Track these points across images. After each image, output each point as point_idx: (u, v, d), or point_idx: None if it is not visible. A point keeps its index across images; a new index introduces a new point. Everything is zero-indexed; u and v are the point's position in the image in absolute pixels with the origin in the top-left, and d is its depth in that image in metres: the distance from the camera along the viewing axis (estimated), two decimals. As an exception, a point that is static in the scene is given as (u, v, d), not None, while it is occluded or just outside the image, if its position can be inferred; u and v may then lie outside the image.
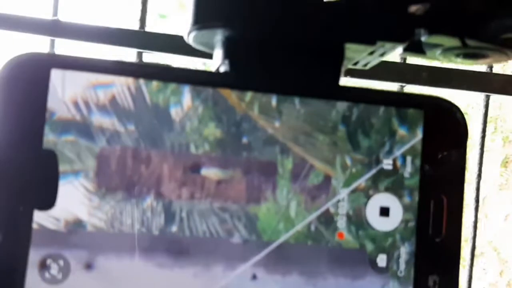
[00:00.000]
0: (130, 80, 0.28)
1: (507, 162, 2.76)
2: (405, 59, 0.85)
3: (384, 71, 0.80)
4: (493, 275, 2.57)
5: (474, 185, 0.89)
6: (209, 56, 0.31)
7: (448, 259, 0.29)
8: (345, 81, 0.31)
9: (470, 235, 0.98)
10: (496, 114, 2.92)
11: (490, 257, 2.59)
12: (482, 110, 0.91)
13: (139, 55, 0.64)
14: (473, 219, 0.90)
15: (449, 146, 0.29)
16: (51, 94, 0.27)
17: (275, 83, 0.29)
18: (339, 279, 0.29)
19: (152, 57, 0.64)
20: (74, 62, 0.28)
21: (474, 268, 0.97)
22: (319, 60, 0.30)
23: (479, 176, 0.89)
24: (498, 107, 2.96)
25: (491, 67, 0.87)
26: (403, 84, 0.75)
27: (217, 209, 0.28)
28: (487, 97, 0.91)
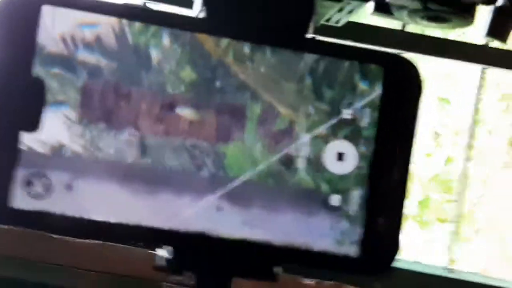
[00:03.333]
0: (114, 20, 0.31)
1: (515, 141, 2.77)
2: (403, 28, 0.87)
3: (384, 37, 0.83)
4: (491, 251, 2.61)
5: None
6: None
7: (394, 204, 0.32)
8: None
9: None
10: (509, 93, 2.91)
11: (489, 233, 2.63)
12: (477, 83, 0.93)
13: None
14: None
15: (404, 101, 0.32)
16: (41, 29, 0.31)
17: (249, 32, 0.32)
18: (295, 214, 0.32)
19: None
20: None
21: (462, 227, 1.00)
22: (291, 13, 0.32)
23: (470, 147, 0.91)
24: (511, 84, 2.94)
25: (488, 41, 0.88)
26: (402, 52, 0.77)
27: (188, 145, 0.32)
28: (483, 69, 0.94)
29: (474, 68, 0.99)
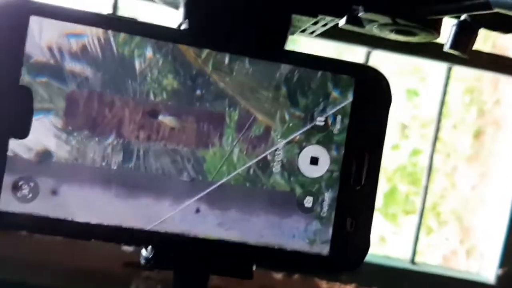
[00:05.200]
0: (100, 31, 0.33)
1: (479, 134, 2.84)
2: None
3: (355, 35, 0.85)
4: (454, 243, 2.68)
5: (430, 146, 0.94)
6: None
7: (365, 205, 0.35)
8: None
9: (422, 191, 1.05)
10: (473, 86, 2.99)
11: (453, 225, 2.70)
12: (443, 81, 0.96)
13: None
14: (425, 179, 0.97)
15: (374, 109, 0.35)
16: (29, 39, 0.32)
17: (228, 43, 0.34)
18: (270, 216, 0.34)
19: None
20: (51, 10, 0.32)
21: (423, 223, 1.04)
22: (268, 26, 0.35)
23: (435, 138, 0.95)
24: (477, 79, 3.02)
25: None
26: (370, 49, 0.80)
27: (170, 150, 0.34)
28: (449, 68, 0.97)
29: (441, 64, 1.02)
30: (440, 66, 1.16)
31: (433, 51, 0.92)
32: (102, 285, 0.98)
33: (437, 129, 0.93)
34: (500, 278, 1.05)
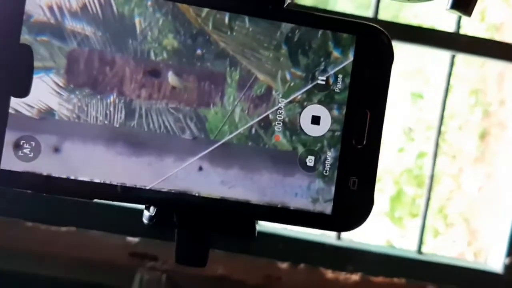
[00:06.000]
0: None
1: (484, 135, 2.84)
2: (376, 15, 0.90)
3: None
4: (461, 245, 2.67)
5: (433, 141, 0.95)
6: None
7: (367, 164, 0.35)
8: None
9: (426, 188, 1.04)
10: (477, 87, 2.98)
11: (460, 227, 2.68)
12: (447, 69, 0.96)
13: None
14: (430, 173, 0.97)
15: (375, 68, 0.35)
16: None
17: (228, 2, 0.34)
18: (273, 175, 0.34)
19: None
20: None
21: (427, 221, 1.05)
22: (267, -15, 0.35)
23: (439, 131, 0.95)
24: (481, 80, 3.01)
25: (458, 28, 0.92)
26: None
27: (172, 109, 0.34)
28: (453, 56, 0.97)
29: (445, 63, 1.02)
30: (443, 64, 1.17)
31: (436, 39, 0.92)
32: (107, 275, 0.98)
33: (442, 119, 0.93)
34: (507, 267, 1.05)
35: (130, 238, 0.99)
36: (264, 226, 1.03)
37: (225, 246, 0.96)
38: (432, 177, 0.98)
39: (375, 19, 0.96)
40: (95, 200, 0.34)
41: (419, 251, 1.08)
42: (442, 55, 1.05)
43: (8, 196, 0.99)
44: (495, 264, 1.09)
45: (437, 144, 0.96)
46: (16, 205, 0.98)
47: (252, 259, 0.97)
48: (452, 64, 0.98)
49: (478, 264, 1.14)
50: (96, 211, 1.02)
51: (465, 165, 2.85)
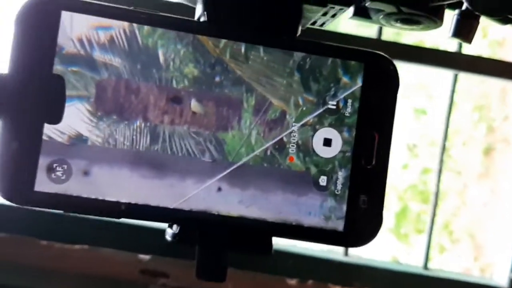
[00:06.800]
0: (126, 24, 0.36)
1: (489, 151, 2.85)
2: (378, 36, 0.93)
3: (360, 46, 0.88)
4: (468, 261, 2.68)
5: (438, 158, 0.97)
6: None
7: (376, 183, 0.37)
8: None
9: (432, 204, 1.07)
10: (481, 103, 3.00)
11: (466, 243, 2.69)
12: (450, 87, 0.99)
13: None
14: (435, 189, 0.99)
15: (382, 93, 0.38)
16: (61, 32, 0.35)
17: (244, 34, 0.37)
18: (287, 194, 0.37)
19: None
20: (80, 5, 0.36)
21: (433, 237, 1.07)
22: (281, 16, 0.38)
23: (443, 150, 0.97)
24: (484, 96, 3.04)
25: (460, 47, 0.95)
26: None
27: (193, 133, 0.37)
28: (455, 75, 1.00)
29: (447, 79, 1.05)
30: (447, 80, 1.20)
31: (439, 59, 0.95)
32: (118, 292, 1.00)
33: (445, 137, 0.96)
34: (513, 282, 1.07)
35: (141, 256, 1.02)
36: (274, 243, 1.05)
37: (235, 263, 0.98)
38: (437, 193, 1.01)
39: (378, 39, 0.99)
40: (122, 218, 0.36)
41: (425, 267, 1.10)
42: (445, 72, 1.09)
43: (23, 215, 1.01)
44: (501, 279, 1.11)
45: (441, 161, 0.99)
46: (31, 224, 1.01)
47: (261, 276, 0.99)
48: (455, 83, 1.01)
49: (484, 279, 1.16)
50: (108, 229, 1.04)
51: (470, 181, 2.86)
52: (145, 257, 1.04)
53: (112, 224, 1.04)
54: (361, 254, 1.26)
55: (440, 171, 0.99)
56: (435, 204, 1.00)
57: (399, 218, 2.95)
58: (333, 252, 1.08)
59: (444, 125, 1.02)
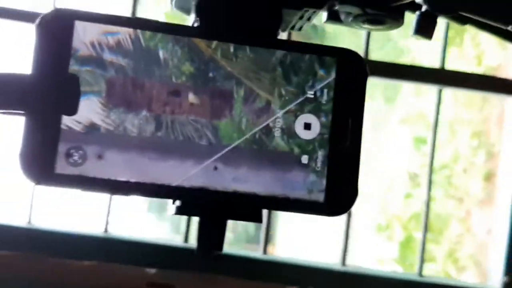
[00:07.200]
0: (131, 30, 0.42)
1: (489, 176, 2.88)
2: (366, 54, 1.00)
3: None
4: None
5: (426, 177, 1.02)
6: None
7: (351, 161, 0.43)
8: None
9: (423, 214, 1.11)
10: (479, 129, 3.06)
11: (471, 271, 2.71)
12: (435, 103, 1.05)
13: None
14: (426, 197, 1.04)
15: (353, 82, 0.44)
16: (75, 37, 0.42)
17: (232, 35, 0.43)
18: (274, 172, 0.43)
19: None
20: (91, 16, 0.42)
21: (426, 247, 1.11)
22: (264, 20, 0.44)
23: (431, 163, 1.03)
24: (482, 121, 3.10)
25: (443, 63, 1.02)
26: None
27: (191, 121, 0.43)
28: (440, 90, 1.06)
29: (446, 109, 1.11)
30: (446, 110, 1.25)
31: (422, 74, 1.02)
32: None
33: (433, 148, 1.01)
34: (506, 286, 1.10)
35: (147, 269, 1.06)
36: (273, 255, 1.10)
37: (235, 273, 1.02)
38: (428, 201, 1.05)
39: (366, 59, 1.06)
40: (131, 196, 0.42)
41: (421, 274, 1.13)
42: (443, 98, 1.14)
43: (36, 235, 1.06)
44: (494, 283, 1.14)
45: (431, 165, 1.04)
46: (41, 243, 1.06)
47: (262, 285, 1.03)
48: (439, 98, 1.07)
49: (479, 284, 1.20)
50: (115, 245, 1.09)
51: (472, 208, 2.89)
52: (151, 270, 1.09)
53: (117, 240, 1.09)
54: (359, 264, 1.29)
55: (430, 175, 1.04)
56: (427, 214, 1.04)
57: (403, 248, 2.97)
58: (331, 262, 1.12)
59: (447, 157, 1.08)
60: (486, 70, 2.77)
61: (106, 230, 1.27)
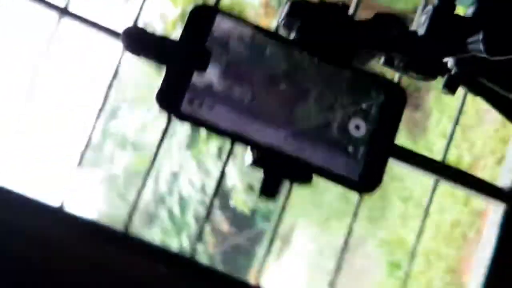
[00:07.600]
0: (252, 31, 0.61)
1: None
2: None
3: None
4: None
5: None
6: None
7: (381, 158, 0.61)
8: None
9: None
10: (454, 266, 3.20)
11: None
12: (429, 193, 1.23)
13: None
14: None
15: (395, 105, 0.62)
16: (214, 24, 0.60)
17: (318, 52, 0.62)
18: (327, 152, 0.60)
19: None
20: (228, 14, 0.61)
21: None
22: (339, 49, 0.63)
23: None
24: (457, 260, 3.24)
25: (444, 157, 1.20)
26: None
27: (278, 102, 0.60)
28: (436, 181, 1.24)
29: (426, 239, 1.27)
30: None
31: (419, 162, 1.19)
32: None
33: (418, 239, 1.17)
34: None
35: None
36: None
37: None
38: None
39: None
40: (225, 139, 0.59)
41: None
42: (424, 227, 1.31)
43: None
44: None
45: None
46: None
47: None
48: (434, 189, 1.24)
49: None
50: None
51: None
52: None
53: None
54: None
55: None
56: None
57: None
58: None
59: (419, 229, 1.25)
60: (470, 212, 2.95)
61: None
